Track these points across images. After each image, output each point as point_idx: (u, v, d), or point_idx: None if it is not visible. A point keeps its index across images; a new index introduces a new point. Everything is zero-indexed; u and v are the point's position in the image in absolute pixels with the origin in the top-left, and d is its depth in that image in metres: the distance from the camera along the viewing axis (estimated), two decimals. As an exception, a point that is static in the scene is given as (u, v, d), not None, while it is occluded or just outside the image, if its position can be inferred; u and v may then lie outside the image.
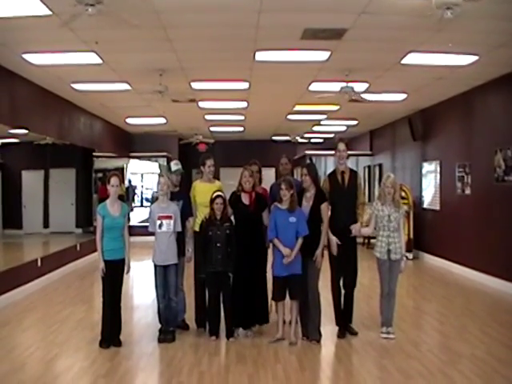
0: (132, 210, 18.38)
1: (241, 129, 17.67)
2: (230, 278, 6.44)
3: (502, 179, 9.39)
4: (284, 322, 6.54)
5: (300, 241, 6.22)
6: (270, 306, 6.74)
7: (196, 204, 6.92)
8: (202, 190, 6.88)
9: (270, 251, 6.73)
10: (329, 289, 6.68)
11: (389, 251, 6.46)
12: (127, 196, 17.71)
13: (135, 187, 19.79)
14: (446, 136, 11.93)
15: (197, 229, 6.76)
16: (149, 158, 18.82)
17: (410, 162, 14.39)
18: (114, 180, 6.23)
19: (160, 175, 6.76)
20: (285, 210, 6.27)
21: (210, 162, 7.02)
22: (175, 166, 7.10)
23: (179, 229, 6.53)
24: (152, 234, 6.55)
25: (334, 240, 6.50)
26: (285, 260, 6.18)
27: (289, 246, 6.19)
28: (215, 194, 6.50)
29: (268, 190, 7.21)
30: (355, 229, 6.51)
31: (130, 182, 18.90)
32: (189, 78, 9.63)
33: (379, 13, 6.23)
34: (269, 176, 7.67)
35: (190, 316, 7.02)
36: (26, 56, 7.86)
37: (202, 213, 6.75)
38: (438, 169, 12.24)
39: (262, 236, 6.54)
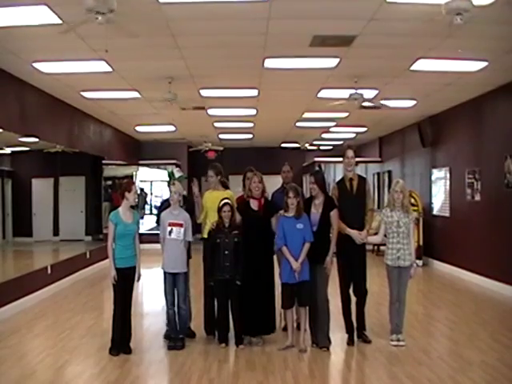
0: (142, 217, 18.38)
1: (250, 136, 17.68)
2: (238, 286, 6.42)
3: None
4: (293, 329, 6.51)
5: (306, 247, 6.20)
6: (279, 313, 6.72)
7: (207, 209, 6.84)
8: (214, 197, 6.79)
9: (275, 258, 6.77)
10: (338, 296, 6.65)
11: (398, 258, 6.44)
12: (138, 204, 17.70)
13: (146, 195, 19.76)
14: (456, 142, 11.89)
15: (205, 235, 6.77)
16: (158, 166, 18.84)
17: (419, 168, 14.34)
18: (135, 187, 6.29)
19: (171, 183, 6.73)
20: (292, 217, 6.27)
21: (209, 173, 6.97)
22: (178, 173, 7.12)
23: (190, 238, 6.54)
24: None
25: (354, 232, 6.43)
26: (296, 274, 6.18)
27: (297, 253, 6.18)
28: (222, 202, 6.48)
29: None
30: (361, 236, 6.45)
31: (141, 189, 18.88)
32: (198, 85, 9.66)
33: (388, 19, 6.24)
34: (278, 183, 7.62)
35: (198, 323, 7.02)
36: (36, 64, 7.92)
37: (212, 218, 6.71)
38: (448, 175, 12.19)
39: (271, 242, 6.52)
